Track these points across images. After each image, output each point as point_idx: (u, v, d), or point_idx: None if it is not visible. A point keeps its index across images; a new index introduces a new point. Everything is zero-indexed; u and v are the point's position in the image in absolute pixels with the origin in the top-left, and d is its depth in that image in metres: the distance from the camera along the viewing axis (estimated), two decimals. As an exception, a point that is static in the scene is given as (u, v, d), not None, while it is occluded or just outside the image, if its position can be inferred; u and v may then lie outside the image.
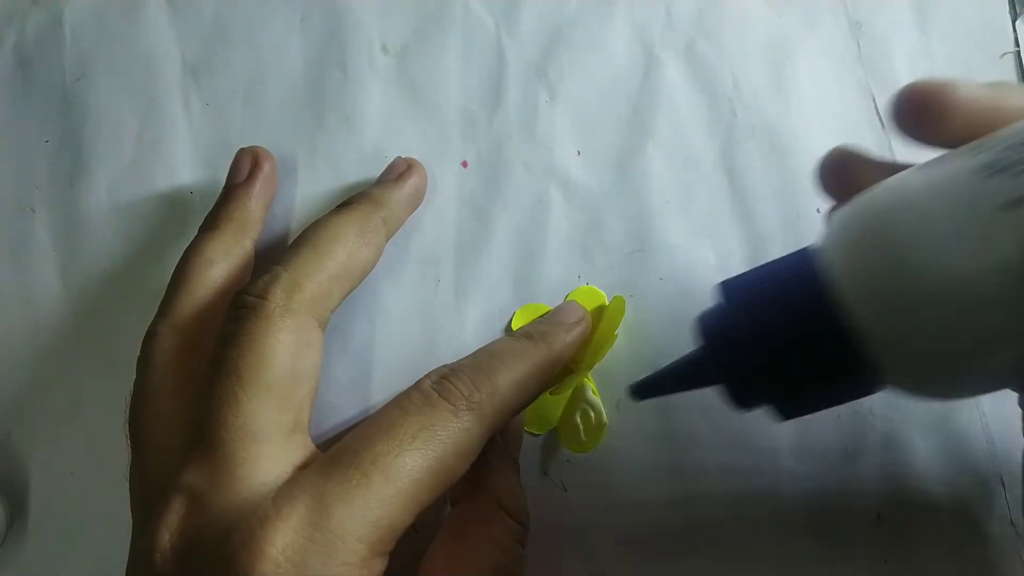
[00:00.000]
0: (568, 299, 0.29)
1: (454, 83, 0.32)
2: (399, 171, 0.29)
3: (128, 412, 0.25)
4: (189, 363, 0.25)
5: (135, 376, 0.25)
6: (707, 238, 0.30)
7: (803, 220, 0.30)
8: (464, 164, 0.31)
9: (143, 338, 0.25)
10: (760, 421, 0.28)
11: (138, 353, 0.25)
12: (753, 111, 0.31)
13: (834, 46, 0.31)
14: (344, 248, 0.25)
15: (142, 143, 0.32)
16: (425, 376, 0.23)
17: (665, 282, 0.29)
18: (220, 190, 0.31)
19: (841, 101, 0.31)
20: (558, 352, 0.25)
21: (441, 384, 0.22)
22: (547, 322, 0.26)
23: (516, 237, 0.30)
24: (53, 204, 0.32)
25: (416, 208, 0.30)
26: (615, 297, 0.29)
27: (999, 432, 0.28)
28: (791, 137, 0.30)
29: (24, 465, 0.29)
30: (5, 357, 0.30)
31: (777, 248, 0.30)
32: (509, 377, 0.23)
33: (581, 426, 0.28)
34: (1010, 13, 0.31)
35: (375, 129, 0.31)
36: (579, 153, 0.31)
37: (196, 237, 0.27)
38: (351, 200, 0.27)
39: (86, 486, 0.29)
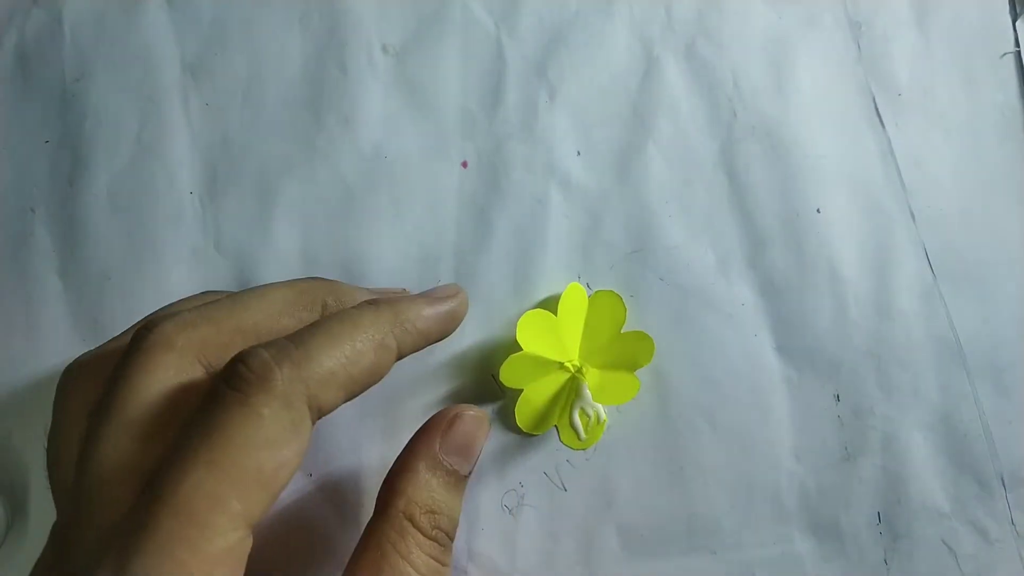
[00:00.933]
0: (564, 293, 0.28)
1: (454, 83, 0.32)
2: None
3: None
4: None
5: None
6: (707, 238, 0.30)
7: (803, 220, 0.30)
8: (464, 164, 0.31)
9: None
10: (760, 421, 0.28)
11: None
12: (753, 111, 0.31)
13: (834, 46, 0.31)
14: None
15: (142, 143, 0.32)
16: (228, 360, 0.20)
17: (665, 282, 0.29)
18: (219, 190, 0.31)
19: (841, 101, 0.31)
20: (408, 321, 0.23)
21: (231, 370, 0.19)
22: (409, 295, 0.24)
23: (516, 237, 0.30)
24: (53, 204, 0.32)
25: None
26: (604, 291, 0.29)
27: (999, 432, 0.28)
28: (791, 137, 0.30)
29: (24, 465, 0.29)
30: (4, 356, 0.30)
31: (777, 248, 0.30)
32: (331, 345, 0.20)
33: (580, 424, 0.27)
34: (1010, 13, 0.31)
35: (375, 129, 0.31)
36: (579, 153, 0.31)
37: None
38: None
39: (86, 486, 0.29)
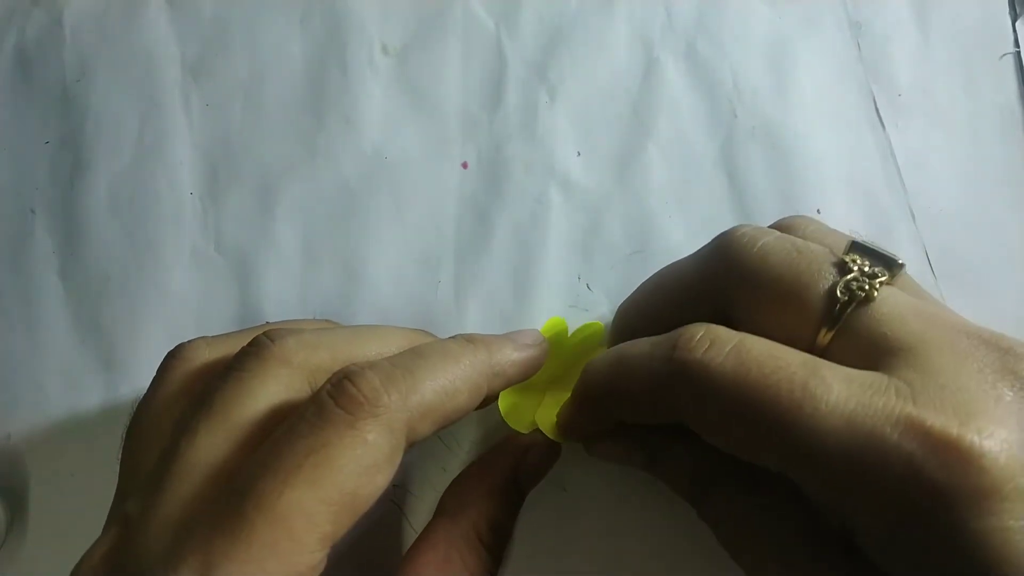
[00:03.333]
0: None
1: (454, 83, 0.32)
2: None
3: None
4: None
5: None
6: (707, 238, 0.30)
7: (803, 220, 0.30)
8: (464, 165, 0.31)
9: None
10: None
11: (143, 358, 0.25)
12: (753, 111, 0.31)
13: (834, 46, 0.31)
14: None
15: (142, 143, 0.32)
16: (329, 378, 0.20)
17: (665, 282, 0.29)
18: (220, 190, 0.31)
19: (841, 101, 0.31)
20: (499, 364, 0.23)
21: (340, 388, 0.19)
22: (498, 336, 0.24)
23: (516, 237, 0.30)
24: (53, 204, 0.32)
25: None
26: (591, 323, 0.28)
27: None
28: (791, 137, 0.30)
29: (24, 465, 0.29)
30: (5, 357, 0.30)
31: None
32: (433, 377, 0.21)
33: None
34: (1010, 13, 0.31)
35: (375, 129, 0.31)
36: (579, 153, 0.31)
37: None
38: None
39: (86, 486, 0.29)
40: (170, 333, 0.30)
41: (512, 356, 0.23)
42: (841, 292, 0.19)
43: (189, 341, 0.24)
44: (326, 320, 0.29)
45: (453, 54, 0.32)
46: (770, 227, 0.23)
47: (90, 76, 0.33)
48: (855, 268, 0.20)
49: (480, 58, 0.32)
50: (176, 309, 0.30)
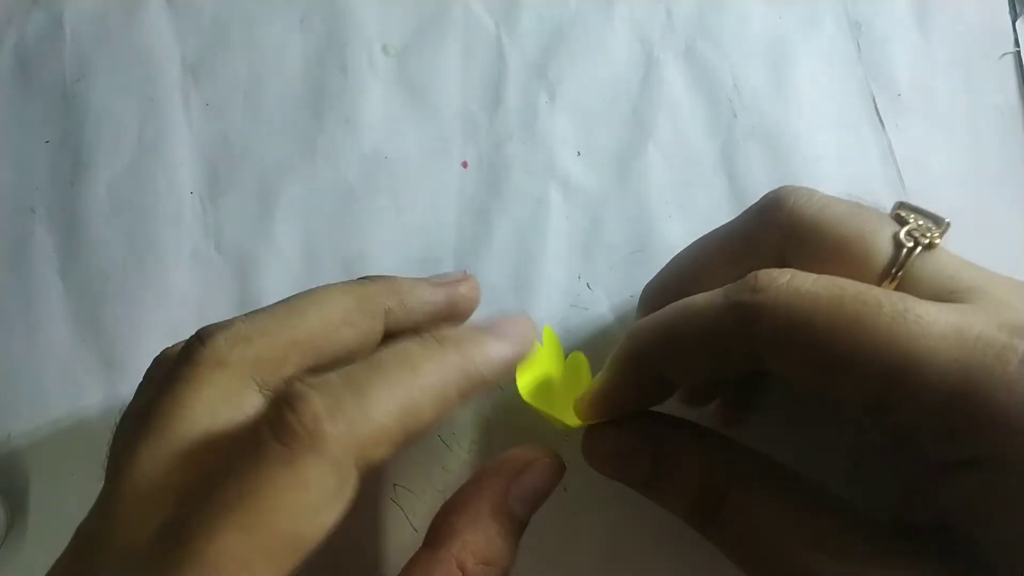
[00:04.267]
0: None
1: (454, 84, 0.32)
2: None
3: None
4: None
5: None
6: (707, 238, 0.30)
7: (803, 220, 0.30)
8: (464, 165, 0.31)
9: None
10: (760, 421, 0.28)
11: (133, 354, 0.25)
12: (753, 111, 0.31)
13: (834, 46, 0.31)
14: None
15: (142, 143, 0.32)
16: (277, 395, 0.18)
17: (665, 282, 0.29)
18: (220, 190, 0.31)
19: (841, 101, 0.31)
20: (473, 367, 0.20)
21: (278, 416, 0.17)
22: (474, 328, 0.21)
23: (516, 237, 0.30)
24: (53, 204, 0.32)
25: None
26: (573, 355, 0.26)
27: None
28: (791, 137, 0.30)
29: (24, 465, 0.29)
30: (5, 357, 0.30)
31: (777, 248, 0.30)
32: (389, 395, 0.18)
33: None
34: (1010, 13, 0.31)
35: (375, 129, 0.31)
36: (579, 153, 0.31)
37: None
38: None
39: (86, 486, 0.29)
40: (170, 333, 0.30)
41: (490, 355, 0.20)
42: (905, 238, 0.20)
43: (175, 344, 0.22)
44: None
45: (453, 54, 0.32)
46: (764, 216, 0.23)
47: (90, 76, 0.33)
48: (911, 220, 0.21)
49: (480, 58, 0.32)
50: (176, 309, 0.30)
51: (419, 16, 0.32)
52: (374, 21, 0.32)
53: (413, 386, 0.19)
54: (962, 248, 0.30)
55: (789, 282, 0.19)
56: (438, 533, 0.21)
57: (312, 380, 0.18)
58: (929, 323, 0.17)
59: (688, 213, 0.30)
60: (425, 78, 0.32)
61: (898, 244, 0.20)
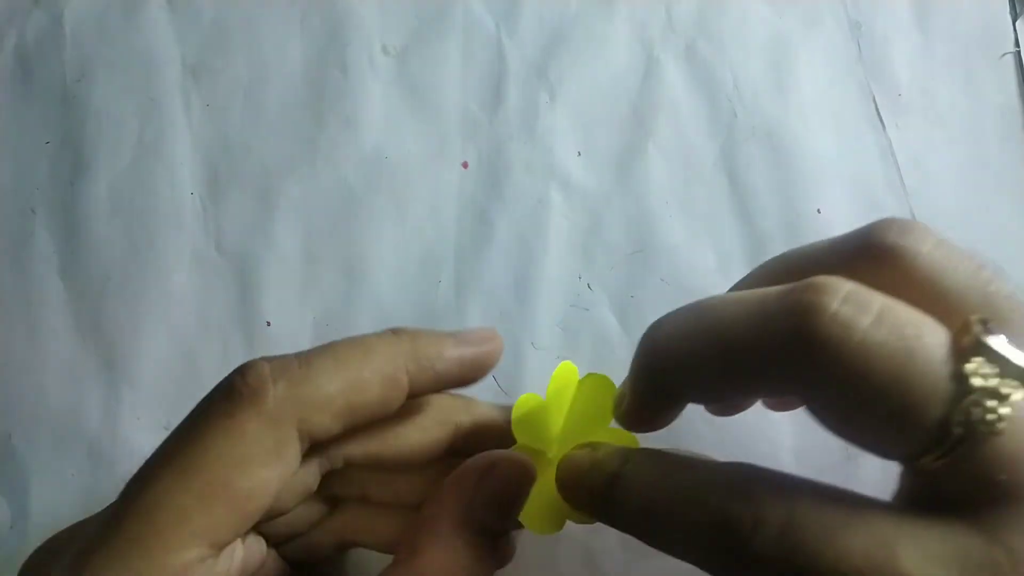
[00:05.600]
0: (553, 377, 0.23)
1: (454, 84, 0.32)
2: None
3: None
4: None
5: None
6: (708, 238, 0.30)
7: (803, 220, 0.30)
8: (464, 165, 0.31)
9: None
10: (761, 421, 0.28)
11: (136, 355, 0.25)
12: (753, 111, 0.31)
13: (834, 46, 0.31)
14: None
15: (142, 143, 0.32)
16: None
17: (666, 283, 0.29)
18: (220, 190, 0.31)
19: (841, 101, 0.31)
20: (425, 358, 0.20)
21: (230, 376, 0.18)
22: (436, 331, 0.21)
23: (516, 237, 0.30)
24: (53, 204, 0.32)
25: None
26: (593, 375, 0.23)
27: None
28: (791, 137, 0.30)
29: (24, 466, 0.29)
30: (5, 357, 0.30)
31: (778, 248, 0.30)
32: (336, 369, 0.19)
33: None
34: (1010, 13, 0.31)
35: (375, 129, 0.31)
36: (579, 153, 0.31)
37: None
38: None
39: (86, 486, 0.29)
40: (170, 333, 0.30)
41: (446, 351, 0.20)
42: (956, 425, 0.15)
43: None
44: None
45: (453, 54, 0.32)
46: (865, 240, 0.19)
47: (90, 76, 0.33)
48: (978, 382, 0.15)
49: (480, 58, 0.32)
50: (176, 309, 0.30)
51: (419, 16, 0.32)
52: (374, 21, 0.32)
53: (362, 364, 0.19)
54: (962, 247, 0.30)
55: (845, 306, 0.15)
56: (403, 550, 0.20)
57: (264, 357, 0.19)
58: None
59: (688, 213, 0.30)
60: (425, 78, 0.32)
61: (946, 429, 0.15)
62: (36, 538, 0.29)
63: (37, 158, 0.32)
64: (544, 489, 0.21)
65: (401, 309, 0.30)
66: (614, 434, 0.22)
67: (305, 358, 0.19)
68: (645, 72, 0.31)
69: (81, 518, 0.30)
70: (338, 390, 0.19)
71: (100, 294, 0.31)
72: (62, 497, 0.29)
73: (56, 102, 0.32)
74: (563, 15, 0.32)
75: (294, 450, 0.19)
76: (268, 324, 0.30)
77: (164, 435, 0.18)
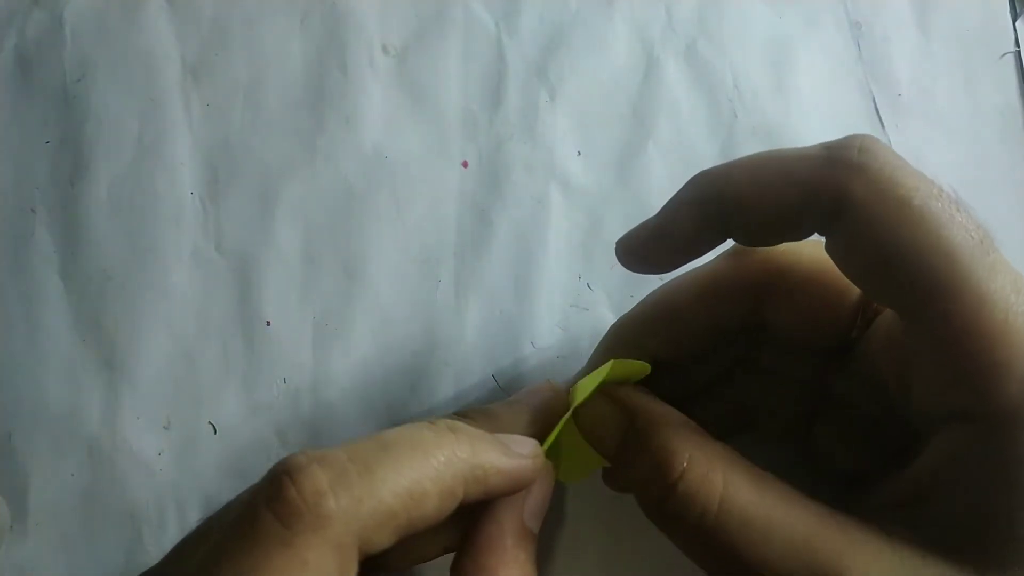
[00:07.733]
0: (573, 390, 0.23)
1: (454, 83, 0.32)
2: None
3: None
4: None
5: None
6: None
7: (803, 220, 0.30)
8: (464, 164, 0.31)
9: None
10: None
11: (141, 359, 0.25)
12: (753, 111, 0.31)
13: (834, 46, 0.31)
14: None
15: (142, 143, 0.32)
16: (276, 465, 0.17)
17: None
18: (220, 190, 0.31)
19: (841, 101, 0.31)
20: (481, 469, 0.19)
21: (277, 490, 0.16)
22: (485, 434, 0.20)
23: (516, 237, 0.30)
24: (53, 204, 0.32)
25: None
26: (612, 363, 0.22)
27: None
28: (791, 137, 0.30)
29: (24, 465, 0.29)
30: (5, 357, 0.30)
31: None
32: (397, 475, 0.17)
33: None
34: (1010, 13, 0.31)
35: (375, 129, 0.31)
36: (579, 153, 0.31)
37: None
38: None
39: (86, 486, 0.29)
40: (170, 333, 0.30)
41: (499, 462, 0.19)
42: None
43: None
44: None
45: (453, 54, 0.32)
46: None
47: (90, 76, 0.33)
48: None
49: (480, 58, 0.32)
50: (176, 309, 0.30)
51: (419, 16, 0.32)
52: (374, 21, 0.32)
53: (422, 470, 0.17)
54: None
55: (894, 155, 0.18)
56: (467, 562, 0.20)
57: (313, 452, 0.17)
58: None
59: (688, 213, 0.30)
60: (425, 78, 0.32)
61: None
62: (36, 538, 0.29)
63: (37, 158, 0.32)
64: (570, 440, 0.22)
65: (401, 309, 0.30)
66: (626, 366, 0.23)
67: (363, 462, 0.17)
68: (645, 72, 0.31)
69: (81, 518, 0.30)
70: (401, 505, 0.17)
71: (100, 294, 0.31)
72: (62, 497, 0.29)
73: (56, 102, 0.32)
74: (563, 15, 0.32)
75: (354, 571, 0.17)
76: (268, 324, 0.30)
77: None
